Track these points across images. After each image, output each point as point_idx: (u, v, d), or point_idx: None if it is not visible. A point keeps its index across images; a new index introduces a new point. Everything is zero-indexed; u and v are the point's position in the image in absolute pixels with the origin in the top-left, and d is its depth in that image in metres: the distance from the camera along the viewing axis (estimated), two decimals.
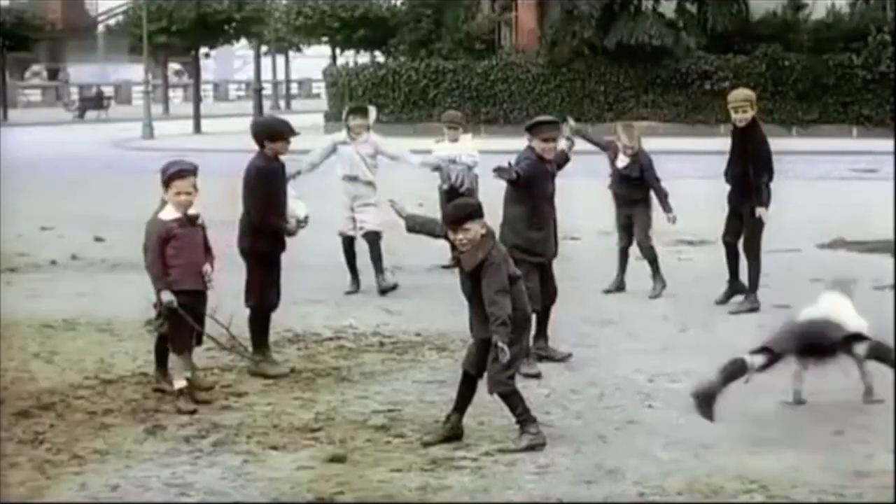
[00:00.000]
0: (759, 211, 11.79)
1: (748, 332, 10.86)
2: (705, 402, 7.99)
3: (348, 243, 13.27)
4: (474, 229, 7.66)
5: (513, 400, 7.74)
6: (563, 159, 10.42)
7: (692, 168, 23.76)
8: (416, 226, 8.31)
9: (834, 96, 36.44)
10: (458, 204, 8.13)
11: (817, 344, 8.50)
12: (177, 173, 8.72)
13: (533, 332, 9.35)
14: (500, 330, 7.48)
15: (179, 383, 8.69)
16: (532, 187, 9.81)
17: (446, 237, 7.94)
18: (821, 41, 36.60)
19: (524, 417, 7.72)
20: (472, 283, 7.68)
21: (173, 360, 8.80)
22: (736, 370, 8.27)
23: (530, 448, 7.58)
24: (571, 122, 11.27)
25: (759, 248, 12.01)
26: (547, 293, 9.97)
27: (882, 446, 7.62)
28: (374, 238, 13.08)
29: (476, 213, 7.76)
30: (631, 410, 8.55)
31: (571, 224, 15.27)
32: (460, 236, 7.68)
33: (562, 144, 10.41)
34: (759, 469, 7.23)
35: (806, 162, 26.95)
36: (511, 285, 7.65)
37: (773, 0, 37.58)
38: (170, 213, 8.69)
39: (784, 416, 8.39)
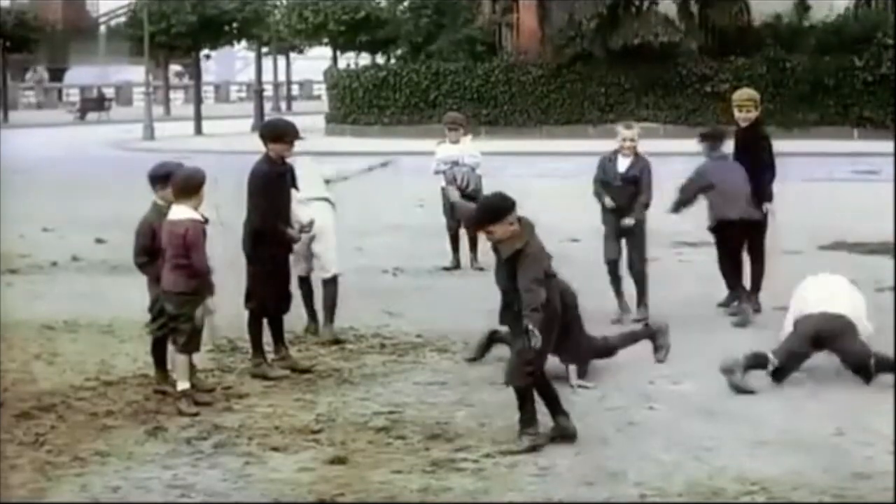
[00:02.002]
0: (766, 206, 11.83)
1: (749, 333, 10.87)
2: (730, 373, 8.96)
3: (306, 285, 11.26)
4: (500, 230, 7.65)
5: (526, 395, 7.72)
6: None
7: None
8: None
9: (835, 98, 36.40)
10: (481, 206, 8.09)
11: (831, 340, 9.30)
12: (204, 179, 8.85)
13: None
14: (534, 315, 7.40)
15: (183, 385, 8.69)
16: None
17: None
18: (822, 43, 36.57)
19: (529, 417, 7.71)
20: (508, 272, 7.65)
21: (179, 361, 8.78)
22: (758, 363, 9.09)
23: (531, 449, 7.58)
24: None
25: (763, 249, 12.03)
26: None
27: (882, 448, 7.63)
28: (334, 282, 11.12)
29: (496, 216, 7.69)
30: (632, 412, 8.55)
31: (571, 226, 15.31)
32: (487, 237, 7.77)
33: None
34: (759, 471, 7.23)
35: (807, 164, 26.93)
36: (546, 280, 7.63)
37: (775, 1, 37.53)
38: (196, 214, 8.70)
39: (784, 417, 8.39)
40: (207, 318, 8.83)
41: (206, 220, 8.74)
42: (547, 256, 7.76)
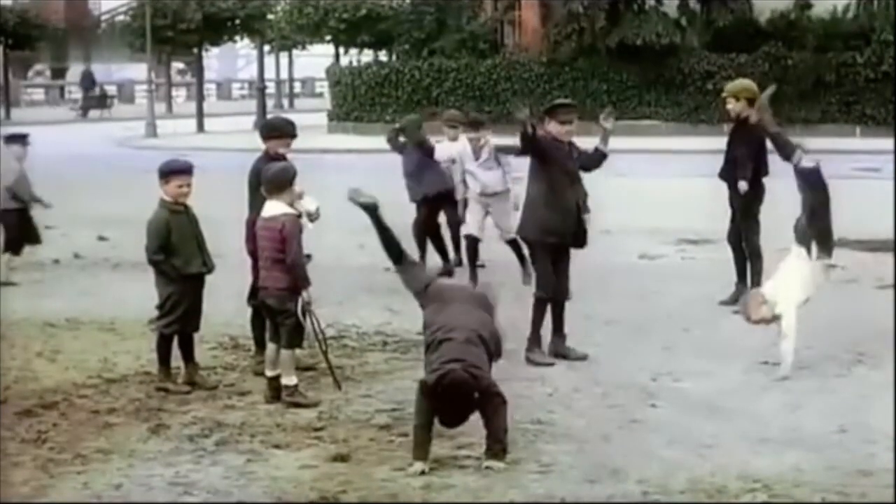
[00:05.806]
0: (741, 184, 11.76)
1: (751, 331, 10.86)
2: None
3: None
4: None
5: None
6: (599, 156, 10.19)
7: (695, 167, 23.74)
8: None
9: (836, 96, 36.37)
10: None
11: None
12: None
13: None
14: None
15: (292, 380, 8.72)
16: (548, 164, 9.82)
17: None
18: (823, 40, 36.53)
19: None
20: None
21: (285, 356, 8.75)
22: None
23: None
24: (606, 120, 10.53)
25: (757, 244, 11.93)
26: (559, 288, 9.95)
27: (884, 445, 7.63)
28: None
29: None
30: (634, 410, 8.55)
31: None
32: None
33: (608, 125, 10.25)
34: (761, 468, 7.23)
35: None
36: None
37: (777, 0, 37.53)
38: (289, 209, 8.82)
39: (786, 414, 8.39)
40: (308, 312, 8.84)
41: (299, 215, 8.82)
42: None
